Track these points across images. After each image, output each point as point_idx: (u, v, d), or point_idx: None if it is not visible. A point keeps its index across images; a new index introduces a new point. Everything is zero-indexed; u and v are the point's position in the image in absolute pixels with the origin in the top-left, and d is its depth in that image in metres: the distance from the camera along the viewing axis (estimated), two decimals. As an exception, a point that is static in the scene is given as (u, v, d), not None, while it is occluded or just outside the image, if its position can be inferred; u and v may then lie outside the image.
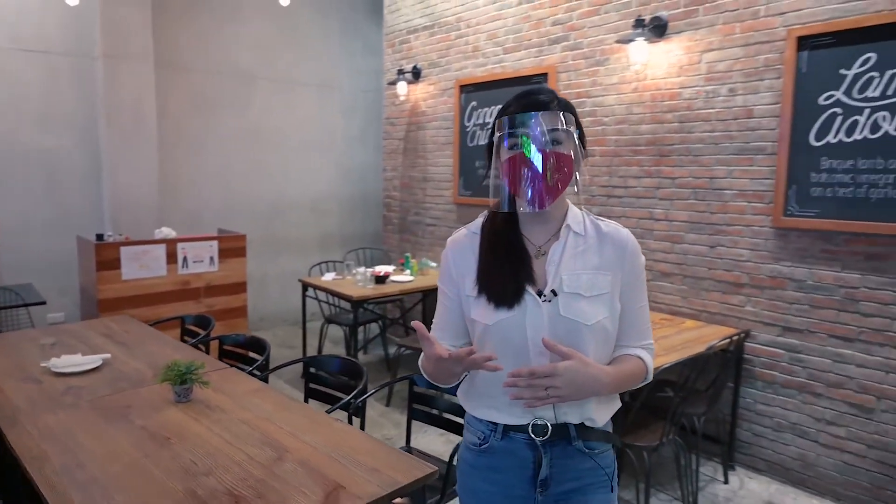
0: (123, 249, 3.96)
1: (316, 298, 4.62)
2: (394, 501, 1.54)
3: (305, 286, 4.48)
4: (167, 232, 4.24)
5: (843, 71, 2.79)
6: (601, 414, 1.27)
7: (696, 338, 3.06)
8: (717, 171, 3.28)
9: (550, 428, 1.23)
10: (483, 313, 1.22)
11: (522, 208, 1.17)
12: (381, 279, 4.31)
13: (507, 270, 1.21)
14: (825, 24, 2.83)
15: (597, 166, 3.84)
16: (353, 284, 4.27)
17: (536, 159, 1.13)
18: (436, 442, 3.41)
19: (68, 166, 4.74)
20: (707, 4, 3.26)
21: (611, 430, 1.33)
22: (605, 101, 3.78)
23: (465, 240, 1.30)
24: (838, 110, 2.81)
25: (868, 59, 2.71)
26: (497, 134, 1.18)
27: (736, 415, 3.26)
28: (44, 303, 3.97)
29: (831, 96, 2.83)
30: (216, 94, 5.49)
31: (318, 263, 5.26)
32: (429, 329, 1.18)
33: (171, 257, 4.19)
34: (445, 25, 4.92)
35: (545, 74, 4.13)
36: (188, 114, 5.35)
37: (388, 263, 5.33)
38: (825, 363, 2.96)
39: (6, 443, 1.80)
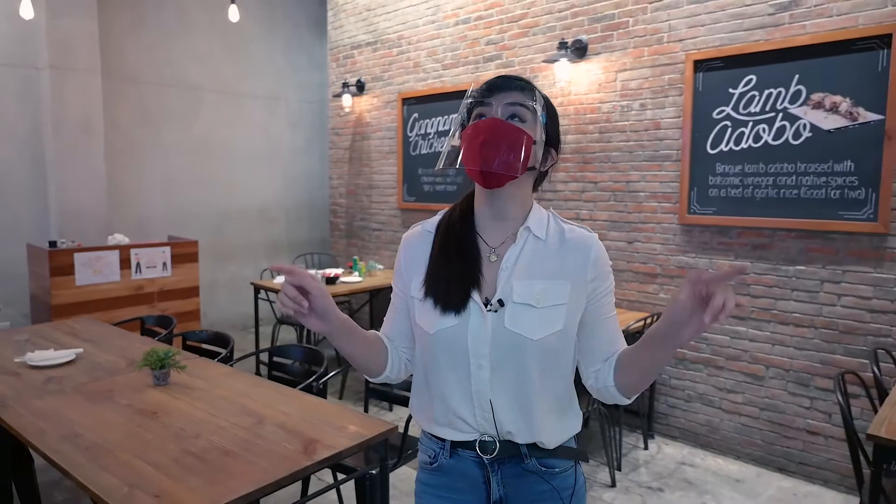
0: (77, 255, 4.06)
1: (268, 300, 4.82)
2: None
3: (257, 289, 4.68)
4: (120, 238, 4.35)
5: (731, 90, 3.28)
6: (554, 436, 1.16)
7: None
8: (633, 175, 3.73)
9: (498, 445, 1.13)
10: (427, 319, 1.14)
11: (471, 170, 1.09)
12: (331, 280, 4.56)
13: (454, 274, 1.12)
14: (716, 49, 3.33)
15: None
16: (305, 286, 4.50)
17: (496, 128, 1.06)
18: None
19: (11, 176, 4.76)
20: (620, 30, 3.72)
21: (574, 446, 1.22)
22: (535, 113, 4.19)
23: (418, 238, 1.22)
24: (728, 123, 3.31)
25: (750, 80, 3.22)
26: (466, 101, 1.13)
27: (653, 389, 3.71)
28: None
29: (722, 111, 3.32)
30: (165, 106, 5.60)
31: (267, 269, 5.45)
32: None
33: (125, 263, 4.31)
34: (388, 42, 5.25)
35: (481, 89, 4.50)
36: (137, 125, 5.45)
37: (336, 267, 5.57)
38: (725, 339, 3.43)
39: (2, 424, 1.98)
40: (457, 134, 1.14)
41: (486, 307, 1.10)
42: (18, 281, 4.67)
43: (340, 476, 2.40)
